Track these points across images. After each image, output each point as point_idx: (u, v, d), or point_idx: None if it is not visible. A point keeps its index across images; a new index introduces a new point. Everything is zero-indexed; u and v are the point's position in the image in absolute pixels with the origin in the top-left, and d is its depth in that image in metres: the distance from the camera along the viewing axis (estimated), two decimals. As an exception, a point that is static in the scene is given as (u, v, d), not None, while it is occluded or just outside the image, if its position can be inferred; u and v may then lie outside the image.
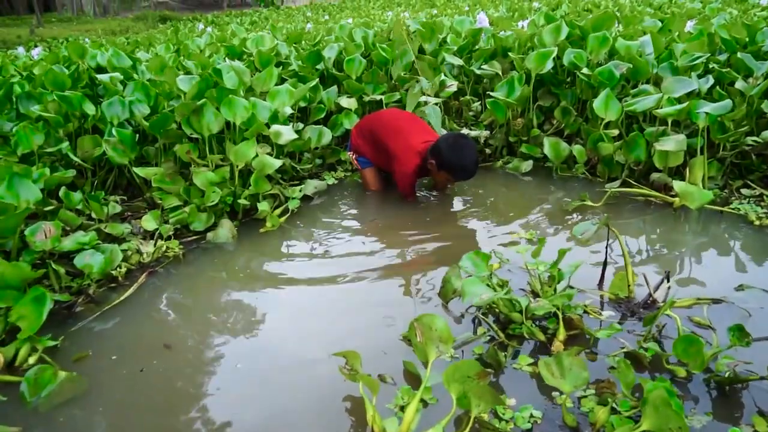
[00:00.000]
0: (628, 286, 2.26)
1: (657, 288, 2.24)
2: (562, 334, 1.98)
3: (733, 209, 3.01)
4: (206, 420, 1.77)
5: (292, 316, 2.36)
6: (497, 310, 2.13)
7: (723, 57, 3.99)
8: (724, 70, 3.63)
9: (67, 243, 2.53)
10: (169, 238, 2.95)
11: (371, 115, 3.66)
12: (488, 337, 2.06)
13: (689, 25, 4.87)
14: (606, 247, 2.35)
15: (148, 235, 2.97)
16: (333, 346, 1.94)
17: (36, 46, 11.79)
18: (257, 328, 2.27)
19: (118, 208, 3.11)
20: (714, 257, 2.65)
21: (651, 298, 2.20)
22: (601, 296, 2.30)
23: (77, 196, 2.89)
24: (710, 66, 3.85)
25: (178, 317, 2.37)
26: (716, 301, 2.18)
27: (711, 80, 3.46)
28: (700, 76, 3.59)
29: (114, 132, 3.24)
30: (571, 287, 2.33)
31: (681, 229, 2.96)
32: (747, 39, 4.14)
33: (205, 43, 6.44)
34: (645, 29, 4.59)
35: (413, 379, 1.85)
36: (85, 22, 21.53)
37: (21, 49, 8.71)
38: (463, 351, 1.99)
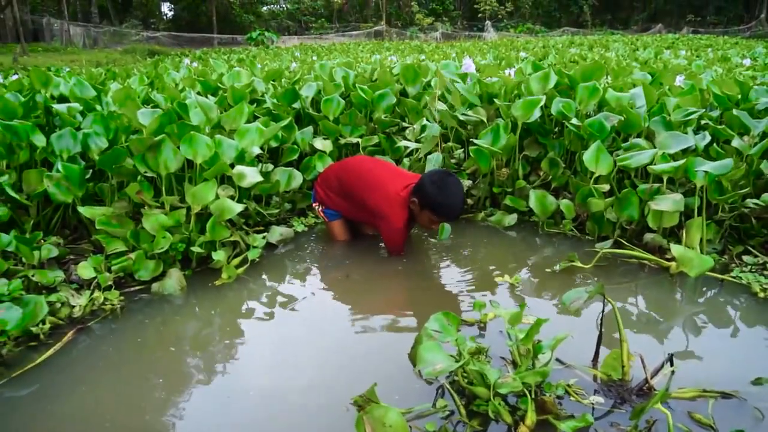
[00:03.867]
0: (623, 367, 1.97)
1: (656, 373, 1.95)
2: (530, 418, 1.68)
3: (734, 278, 2.75)
4: None
5: (241, 387, 2.00)
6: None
7: (715, 114, 3.82)
8: (719, 126, 3.44)
9: (-17, 293, 2.19)
10: (109, 288, 2.62)
11: (335, 164, 3.36)
12: (448, 412, 1.77)
13: (678, 80, 4.74)
14: (600, 320, 2.06)
15: (86, 284, 2.64)
16: (289, 419, 1.61)
17: (15, 74, 11.49)
18: (194, 402, 1.92)
19: (55, 252, 2.76)
20: (720, 336, 2.33)
21: (647, 384, 1.90)
22: (594, 376, 2.01)
23: (6, 237, 2.56)
24: (702, 122, 3.67)
25: (97, 388, 2.00)
26: (726, 396, 1.86)
27: (708, 137, 3.25)
28: (695, 132, 3.40)
29: (60, 166, 2.95)
30: (559, 360, 2.05)
31: (680, 299, 2.67)
32: (739, 96, 3.99)
33: (182, 77, 6.19)
34: (635, 81, 4.43)
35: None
36: (72, 53, 21.34)
37: (-1, 77, 8.40)
38: (411, 427, 1.67)
